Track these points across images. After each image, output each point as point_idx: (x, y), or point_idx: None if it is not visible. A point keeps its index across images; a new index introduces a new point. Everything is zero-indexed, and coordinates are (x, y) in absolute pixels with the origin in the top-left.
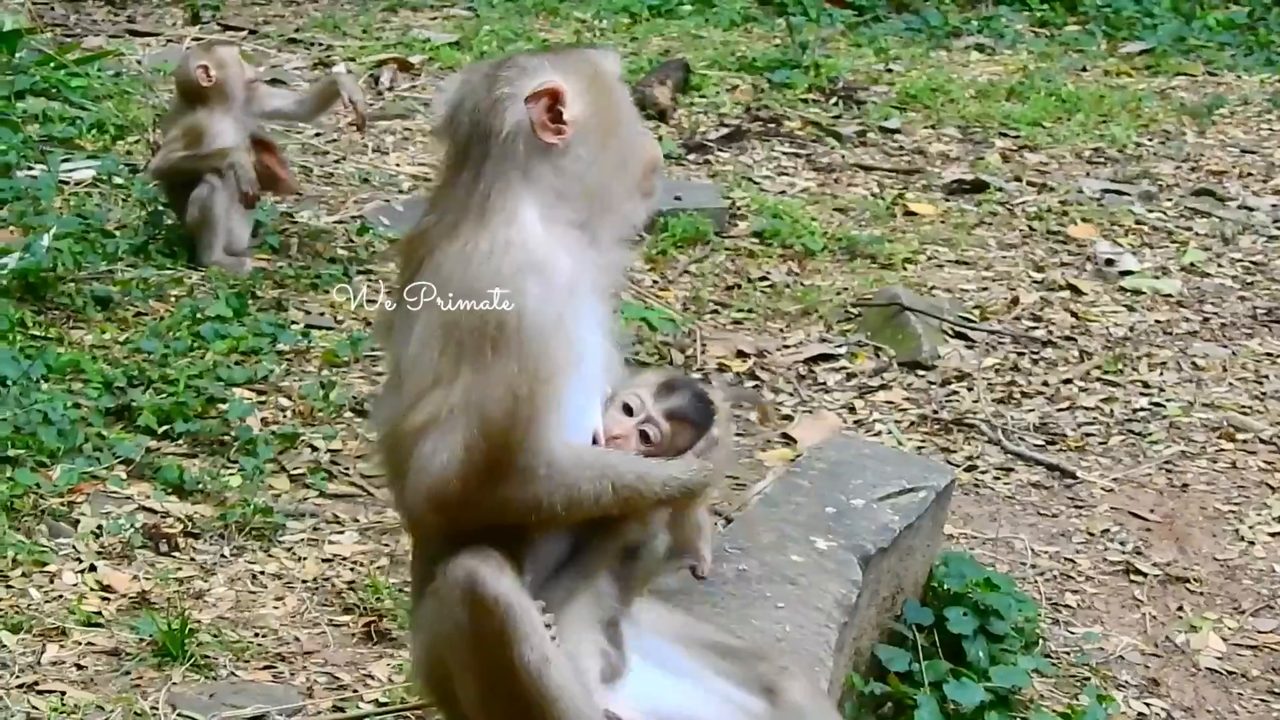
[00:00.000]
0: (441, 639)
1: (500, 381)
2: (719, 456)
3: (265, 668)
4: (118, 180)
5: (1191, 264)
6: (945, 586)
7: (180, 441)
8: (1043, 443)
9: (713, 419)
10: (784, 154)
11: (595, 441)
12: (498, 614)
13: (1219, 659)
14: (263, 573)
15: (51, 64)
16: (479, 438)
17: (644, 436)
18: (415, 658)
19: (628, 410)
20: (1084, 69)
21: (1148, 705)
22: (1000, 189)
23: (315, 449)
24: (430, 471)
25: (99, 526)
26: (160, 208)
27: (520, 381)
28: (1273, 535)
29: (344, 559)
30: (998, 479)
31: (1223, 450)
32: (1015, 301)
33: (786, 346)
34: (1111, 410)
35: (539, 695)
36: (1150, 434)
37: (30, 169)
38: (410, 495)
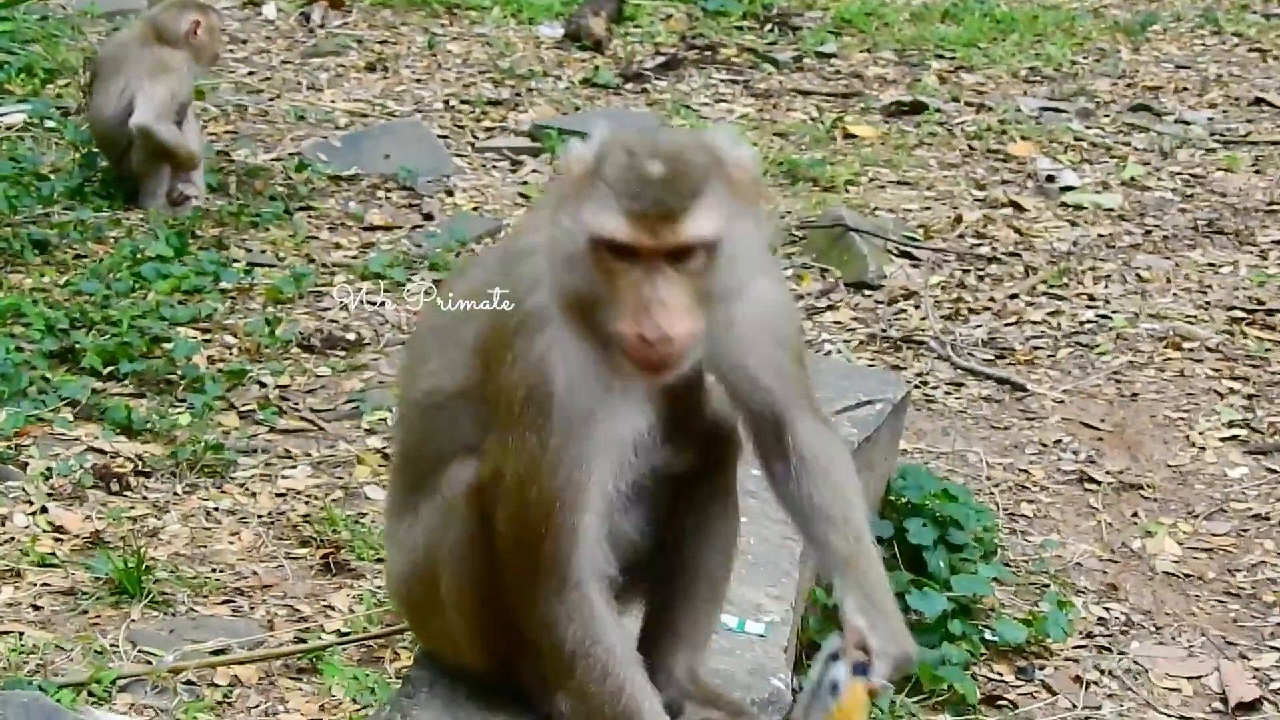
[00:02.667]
0: (441, 544)
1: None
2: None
3: (224, 602)
4: (50, 123)
5: (1131, 178)
6: (904, 499)
7: (126, 382)
8: (992, 357)
9: None
10: (721, 81)
11: None
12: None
13: (1175, 562)
14: (217, 509)
15: None
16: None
17: None
18: (397, 576)
19: None
20: None
21: (1107, 610)
22: (939, 110)
23: (263, 385)
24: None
25: (48, 468)
26: (93, 150)
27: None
28: (1223, 440)
29: (298, 493)
30: (949, 394)
31: (1170, 359)
32: (958, 220)
33: None
34: (1059, 324)
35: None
36: (1098, 345)
37: None
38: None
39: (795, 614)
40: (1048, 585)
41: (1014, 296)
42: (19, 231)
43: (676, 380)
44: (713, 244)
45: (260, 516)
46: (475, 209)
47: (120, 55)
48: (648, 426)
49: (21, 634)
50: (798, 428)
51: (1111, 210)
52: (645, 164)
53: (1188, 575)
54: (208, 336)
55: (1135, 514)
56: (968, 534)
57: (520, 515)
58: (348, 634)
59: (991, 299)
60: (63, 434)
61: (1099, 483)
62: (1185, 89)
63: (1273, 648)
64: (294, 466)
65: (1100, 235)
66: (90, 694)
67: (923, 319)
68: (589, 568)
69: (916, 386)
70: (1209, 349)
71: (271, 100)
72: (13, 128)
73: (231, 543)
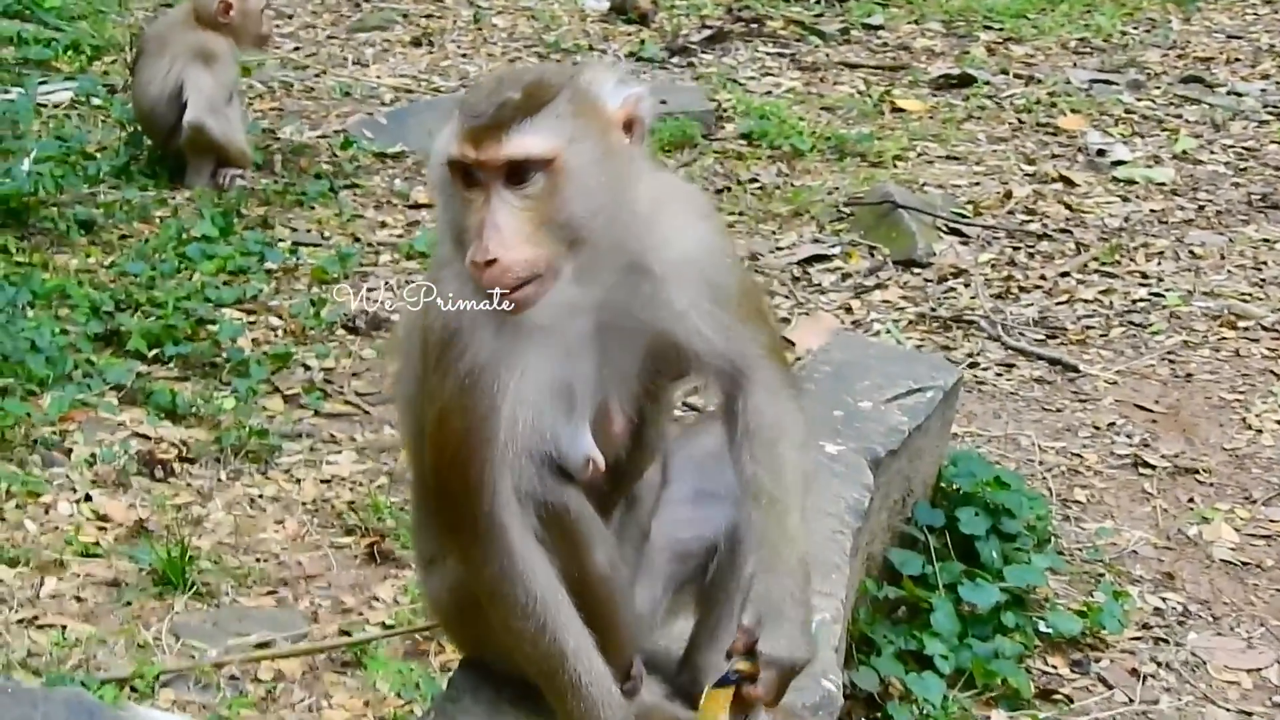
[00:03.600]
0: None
1: (431, 393)
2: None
3: (268, 593)
4: (96, 101)
5: (1184, 152)
6: (955, 486)
7: (171, 365)
8: (1043, 337)
9: None
10: (767, 54)
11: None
12: (568, 522)
13: (1232, 550)
14: (261, 496)
15: None
16: (417, 438)
17: None
18: (438, 594)
19: None
20: None
21: (1163, 600)
22: (987, 83)
23: (308, 368)
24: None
25: (92, 455)
26: (139, 129)
27: (444, 399)
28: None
29: (342, 479)
30: (1000, 375)
31: (1225, 339)
32: (1008, 195)
33: (780, 248)
34: (1111, 302)
35: (606, 601)
36: (1151, 324)
37: (7, 92)
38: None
39: (846, 610)
40: (1102, 574)
41: (1065, 274)
42: (65, 211)
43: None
44: (546, 161)
45: (304, 504)
46: None
47: (166, 35)
48: (572, 365)
49: (64, 627)
50: (750, 390)
51: (1163, 185)
52: (489, 85)
53: (1245, 563)
54: (253, 318)
55: (1191, 499)
56: (1020, 522)
57: (436, 459)
58: (392, 626)
59: (1042, 277)
60: (107, 418)
61: (1154, 467)
62: (1237, 60)
63: None
64: (339, 452)
65: (1152, 210)
66: (133, 689)
67: (973, 298)
68: (507, 507)
69: (968, 367)
70: (1264, 327)
71: (317, 76)
72: (60, 105)
73: (276, 531)
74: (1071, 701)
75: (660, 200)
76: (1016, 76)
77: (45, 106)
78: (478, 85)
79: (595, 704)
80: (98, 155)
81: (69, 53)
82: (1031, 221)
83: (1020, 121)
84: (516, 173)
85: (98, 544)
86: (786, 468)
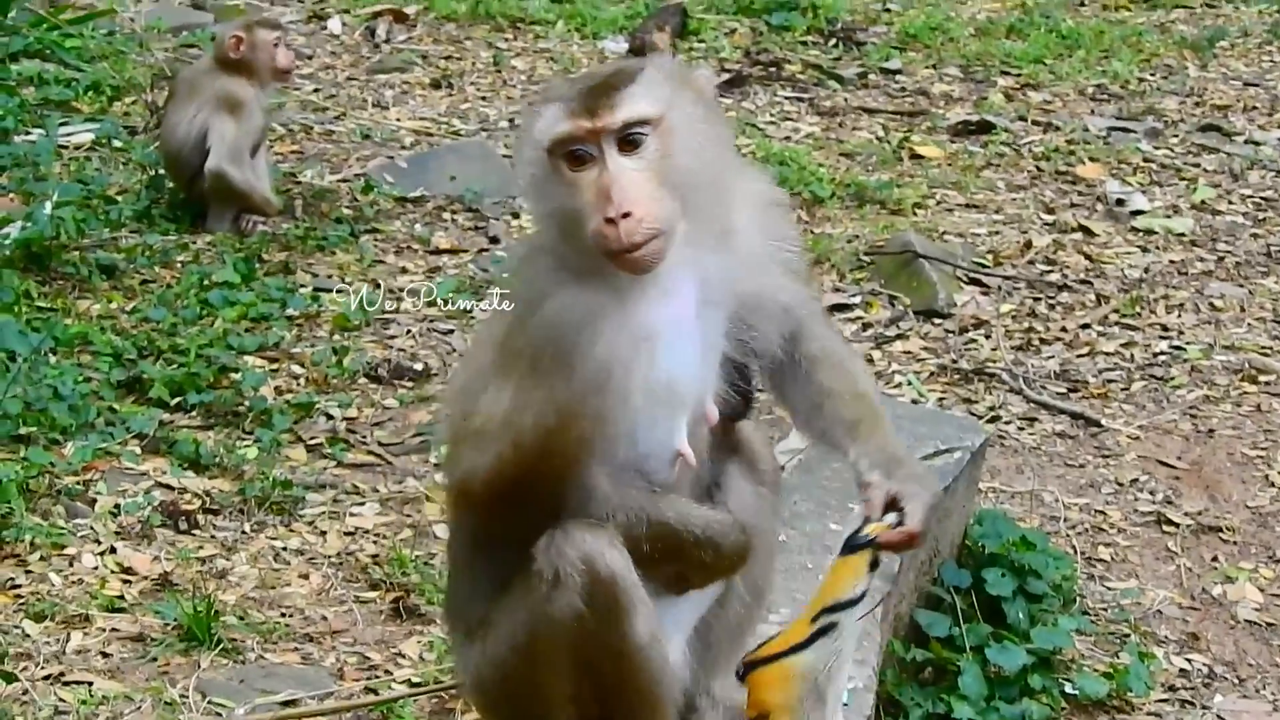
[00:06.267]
0: (543, 622)
1: (539, 403)
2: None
3: (294, 649)
4: (117, 143)
5: (1202, 201)
6: (982, 546)
7: (194, 413)
8: (1064, 390)
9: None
10: (786, 99)
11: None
12: (613, 590)
13: (1257, 610)
14: (285, 549)
15: (44, 25)
16: (511, 456)
17: None
18: (479, 666)
19: None
20: (1082, 3)
21: (1189, 661)
22: (1006, 129)
23: (331, 417)
24: (472, 474)
25: (116, 505)
26: (160, 172)
27: (559, 407)
28: None
29: (366, 532)
30: (1022, 429)
31: (1246, 393)
32: (1028, 245)
33: None
34: (1132, 355)
35: (645, 675)
36: (1172, 378)
37: (28, 133)
38: (449, 476)
39: (876, 677)
40: (1128, 635)
41: (1086, 326)
42: (86, 256)
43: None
44: (656, 120)
45: (329, 557)
46: None
47: (195, 80)
48: (678, 357)
49: (91, 684)
50: (813, 333)
51: (1183, 235)
52: (576, 77)
53: (1270, 624)
54: (275, 366)
55: (1215, 558)
56: (1046, 583)
57: (538, 467)
58: (419, 684)
59: (1063, 329)
60: (130, 468)
61: (1177, 525)
62: (1255, 108)
63: None
64: (362, 503)
65: (1172, 261)
66: None
67: (994, 350)
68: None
69: (989, 421)
70: None
71: (337, 119)
72: (80, 147)
73: (300, 585)
74: None
75: (734, 164)
76: (1035, 123)
77: (66, 148)
78: (557, 81)
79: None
80: (119, 199)
81: (90, 93)
82: (1052, 272)
83: (1039, 169)
84: (628, 138)
85: (122, 598)
86: (860, 376)
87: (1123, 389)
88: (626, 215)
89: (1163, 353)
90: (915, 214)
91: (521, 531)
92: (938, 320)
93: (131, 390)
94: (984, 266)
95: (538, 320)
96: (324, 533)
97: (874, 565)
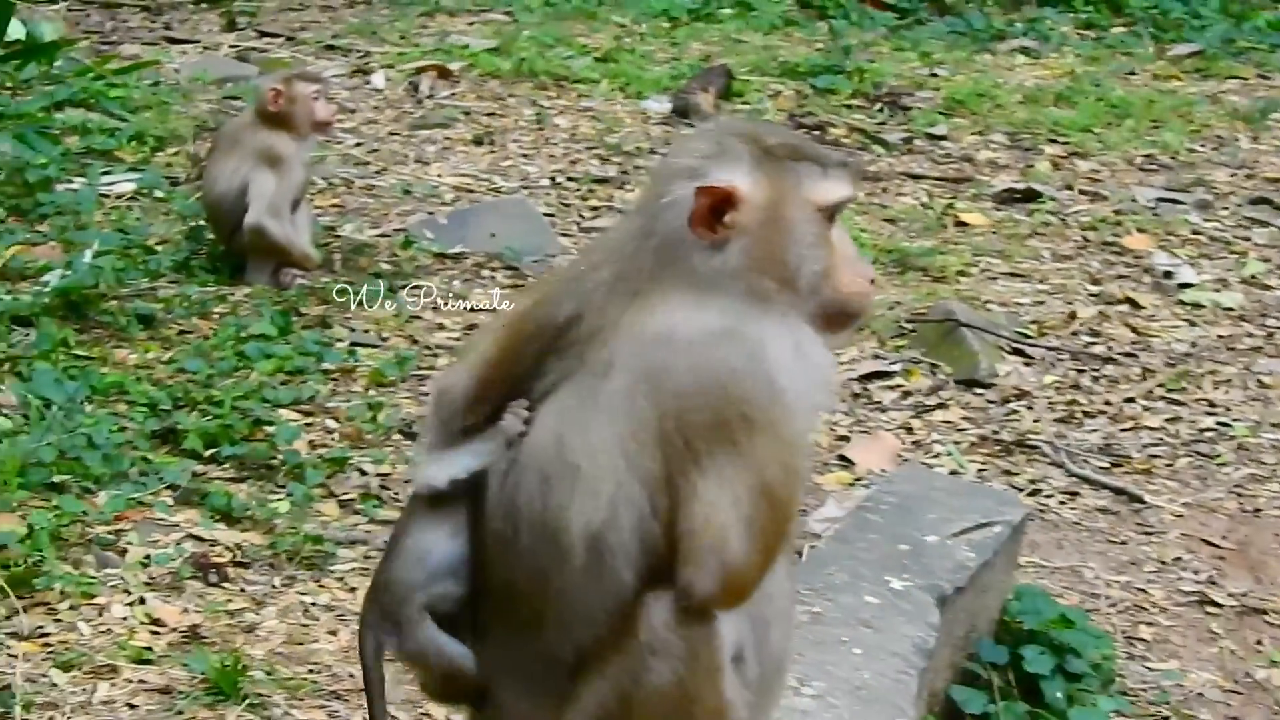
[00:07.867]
0: (648, 691)
1: (767, 459)
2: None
3: (320, 706)
4: (158, 194)
5: (1252, 276)
6: (1020, 623)
7: (227, 465)
8: (1107, 465)
9: None
10: None
11: None
12: (714, 648)
13: None
14: (315, 604)
15: (89, 74)
16: (767, 518)
17: None
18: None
19: None
20: (1132, 72)
21: None
22: (1052, 198)
23: (364, 473)
24: (728, 563)
25: (147, 556)
26: (200, 224)
27: (785, 450)
28: None
29: None
30: (1063, 504)
31: None
32: (1073, 316)
33: (840, 364)
34: (1177, 430)
35: None
36: (1218, 455)
37: (70, 182)
38: (699, 590)
39: None
40: (1168, 717)
41: (1130, 400)
42: (125, 305)
43: None
44: None
45: (358, 614)
46: None
47: (237, 134)
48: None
49: None
50: None
51: (1231, 310)
52: (797, 137)
53: None
54: (309, 420)
55: (1259, 641)
56: (1086, 661)
57: (775, 524)
58: None
59: (1107, 402)
60: (162, 519)
61: (1220, 605)
62: None
63: None
64: None
65: (1220, 336)
66: None
67: (1035, 421)
68: None
69: (1030, 494)
70: None
71: (378, 173)
72: (122, 197)
73: (329, 641)
74: None
75: None
76: (1082, 192)
77: (108, 197)
78: (786, 134)
79: None
80: (159, 249)
81: (133, 143)
82: (1096, 344)
83: (1085, 239)
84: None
85: (150, 649)
86: None
87: (1167, 465)
88: (872, 281)
89: (1209, 429)
90: (958, 282)
91: None
92: (979, 390)
93: (165, 441)
94: (1027, 337)
95: (752, 370)
96: (354, 589)
97: None
